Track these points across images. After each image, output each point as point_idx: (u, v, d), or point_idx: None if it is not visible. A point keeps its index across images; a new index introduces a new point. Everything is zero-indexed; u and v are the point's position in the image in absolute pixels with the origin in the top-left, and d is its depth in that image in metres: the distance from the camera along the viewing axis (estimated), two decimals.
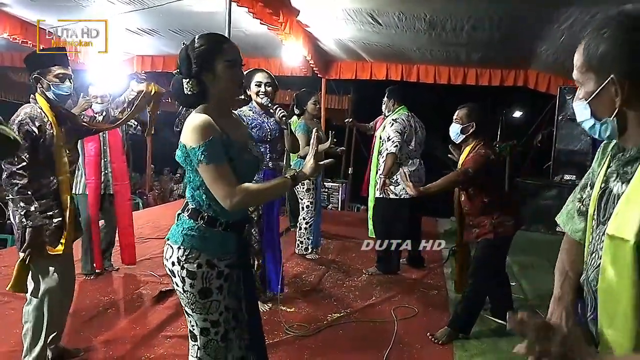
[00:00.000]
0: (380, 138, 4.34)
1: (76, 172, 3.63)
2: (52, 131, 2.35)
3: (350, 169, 8.85)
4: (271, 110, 3.14)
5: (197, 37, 1.61)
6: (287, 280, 3.93)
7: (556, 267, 1.23)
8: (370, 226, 4.66)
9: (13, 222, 2.34)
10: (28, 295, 2.39)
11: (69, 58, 2.55)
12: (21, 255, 2.29)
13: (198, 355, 1.65)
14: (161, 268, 3.90)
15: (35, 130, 2.30)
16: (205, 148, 1.49)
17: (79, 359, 2.62)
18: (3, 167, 2.28)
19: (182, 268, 1.57)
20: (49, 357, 2.49)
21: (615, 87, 0.92)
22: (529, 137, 8.02)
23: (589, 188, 1.13)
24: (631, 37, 0.90)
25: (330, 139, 3.35)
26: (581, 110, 1.01)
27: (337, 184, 8.25)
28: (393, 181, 4.14)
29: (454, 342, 2.95)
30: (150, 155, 9.10)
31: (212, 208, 1.59)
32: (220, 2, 3.85)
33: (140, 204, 8.16)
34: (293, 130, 4.00)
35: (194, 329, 1.64)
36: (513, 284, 3.86)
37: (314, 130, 1.97)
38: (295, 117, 4.56)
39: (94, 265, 3.86)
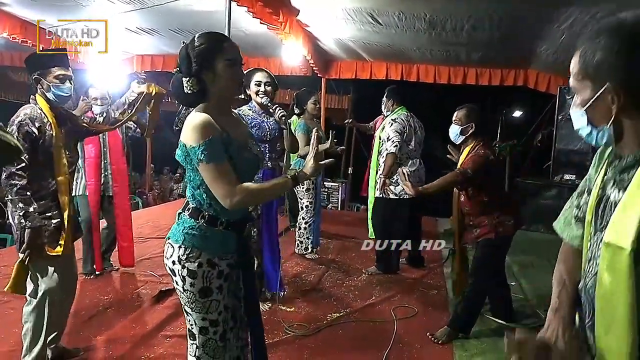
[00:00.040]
0: (380, 138, 4.34)
1: (76, 173, 3.63)
2: (51, 132, 2.35)
3: (350, 168, 8.86)
4: (271, 110, 3.13)
5: (197, 35, 1.61)
6: (287, 280, 3.93)
7: (554, 276, 1.23)
8: (370, 228, 4.66)
9: (12, 222, 2.33)
10: (28, 295, 2.39)
11: (69, 59, 2.55)
12: (20, 256, 2.28)
13: (196, 354, 1.65)
14: (161, 268, 3.91)
15: (35, 131, 2.30)
16: (205, 147, 1.49)
17: (79, 358, 2.62)
18: (2, 167, 2.28)
19: (183, 267, 1.57)
20: (49, 357, 2.48)
21: (612, 95, 0.91)
22: (529, 137, 8.01)
23: (586, 194, 1.13)
24: (627, 45, 0.89)
25: (331, 139, 3.35)
26: (578, 118, 1.01)
27: (337, 184, 8.26)
28: (393, 181, 4.14)
29: (454, 342, 2.95)
30: (150, 155, 9.11)
31: (212, 207, 1.59)
32: (220, 1, 3.86)
33: (140, 203, 8.16)
34: (293, 130, 4.00)
35: (192, 328, 1.64)
36: (512, 283, 3.86)
37: (314, 130, 1.97)
38: (295, 117, 4.56)
39: (94, 266, 3.86)
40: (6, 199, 2.31)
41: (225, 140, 1.55)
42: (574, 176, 6.41)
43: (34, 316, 2.35)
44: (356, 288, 3.92)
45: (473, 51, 5.91)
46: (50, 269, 2.36)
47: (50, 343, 2.45)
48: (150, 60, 7.39)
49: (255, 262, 3.15)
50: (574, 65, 0.98)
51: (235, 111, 1.91)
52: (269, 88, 3.17)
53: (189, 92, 1.58)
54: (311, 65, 6.65)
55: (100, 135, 3.64)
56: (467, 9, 4.45)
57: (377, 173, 4.40)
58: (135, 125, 3.85)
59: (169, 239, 1.63)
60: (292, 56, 5.97)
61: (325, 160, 1.68)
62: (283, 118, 3.05)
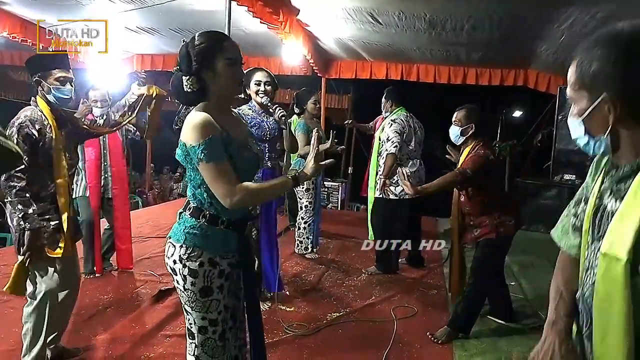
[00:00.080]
0: (380, 139, 4.33)
1: (76, 175, 3.63)
2: (51, 134, 2.34)
3: (350, 168, 8.86)
4: (270, 110, 3.13)
5: (197, 34, 1.60)
6: (287, 279, 3.93)
7: (551, 287, 1.23)
8: (370, 229, 4.65)
9: (11, 224, 2.33)
10: (27, 296, 2.38)
11: (69, 60, 2.55)
12: (20, 258, 2.28)
13: (195, 354, 1.64)
14: (161, 267, 3.91)
15: (35, 133, 2.30)
16: (205, 146, 1.48)
17: (79, 358, 2.62)
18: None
19: (184, 266, 1.57)
20: (49, 357, 2.48)
21: (608, 105, 0.91)
22: (529, 137, 8.02)
23: (583, 203, 1.13)
24: (624, 55, 0.89)
25: (331, 139, 3.35)
26: (575, 127, 1.00)
27: (337, 184, 8.25)
28: (393, 182, 4.14)
29: (454, 342, 2.95)
30: (150, 154, 9.11)
31: (213, 206, 1.59)
32: (220, 0, 3.85)
33: (140, 202, 8.15)
34: (293, 130, 4.00)
35: (192, 327, 1.64)
36: (512, 283, 3.87)
37: (315, 130, 1.97)
38: (295, 117, 4.55)
39: (95, 267, 3.86)
40: (5, 200, 2.31)
41: (225, 140, 1.54)
42: (574, 176, 6.41)
43: (34, 317, 2.34)
44: (356, 288, 3.92)
45: (473, 51, 5.91)
46: (51, 270, 2.35)
47: (50, 343, 2.45)
48: (151, 60, 7.39)
49: (256, 261, 3.16)
50: (571, 75, 0.98)
51: (235, 110, 1.91)
52: (268, 87, 3.17)
53: (189, 90, 1.58)
54: (311, 64, 6.65)
55: (101, 137, 3.64)
56: (467, 9, 4.45)
57: (376, 174, 4.39)
58: (135, 128, 3.85)
59: (170, 238, 1.63)
60: (292, 56, 5.97)
61: (326, 161, 1.68)
62: (283, 118, 3.05)
